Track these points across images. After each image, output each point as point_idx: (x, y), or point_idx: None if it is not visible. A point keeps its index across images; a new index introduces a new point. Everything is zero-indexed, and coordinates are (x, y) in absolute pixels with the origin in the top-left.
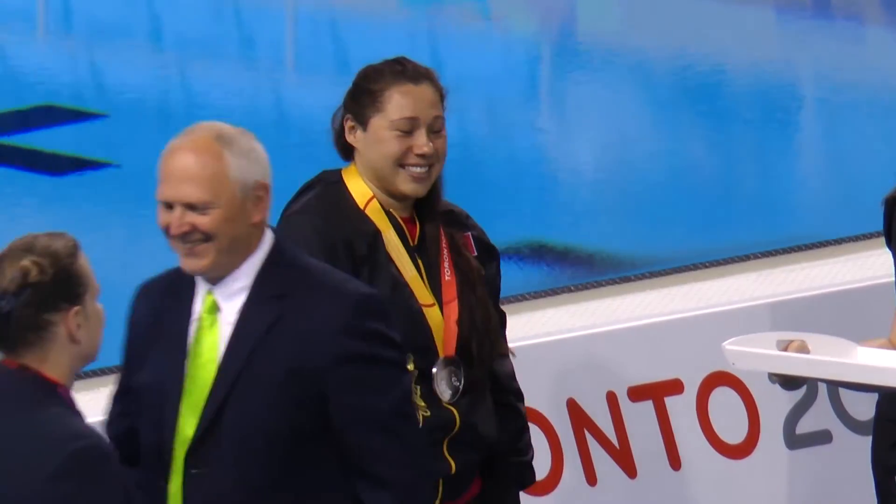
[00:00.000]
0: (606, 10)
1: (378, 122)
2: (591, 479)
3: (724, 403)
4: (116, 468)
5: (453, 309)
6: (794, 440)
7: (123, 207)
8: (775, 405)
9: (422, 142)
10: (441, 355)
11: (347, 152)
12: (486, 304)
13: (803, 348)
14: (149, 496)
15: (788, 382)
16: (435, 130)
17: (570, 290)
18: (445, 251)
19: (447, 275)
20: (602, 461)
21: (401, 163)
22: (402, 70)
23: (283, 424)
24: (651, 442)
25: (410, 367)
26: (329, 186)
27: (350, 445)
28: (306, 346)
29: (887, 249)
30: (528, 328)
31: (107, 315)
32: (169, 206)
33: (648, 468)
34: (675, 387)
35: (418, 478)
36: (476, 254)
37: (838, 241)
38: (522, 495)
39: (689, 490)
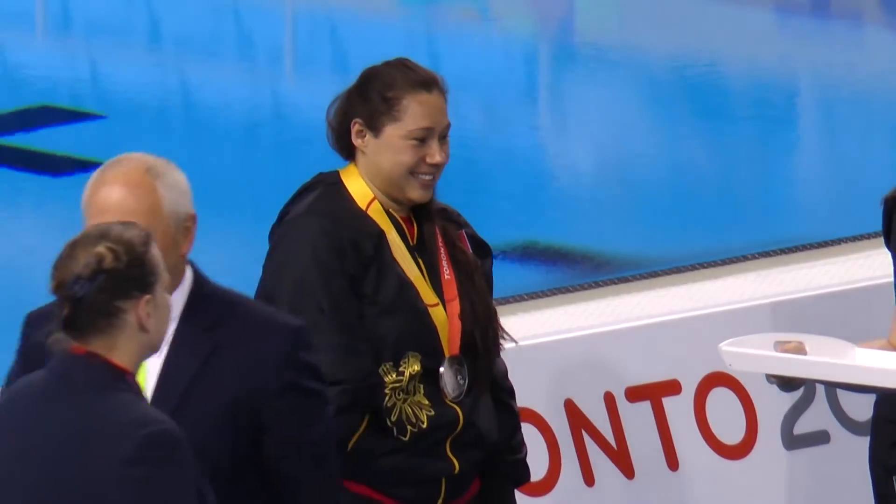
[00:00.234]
0: (605, 9)
1: (393, 131)
2: (589, 479)
3: (722, 404)
4: (187, 454)
5: (455, 307)
6: (792, 441)
7: None
8: (773, 406)
9: (435, 151)
10: (447, 355)
11: (349, 153)
12: (486, 295)
13: (800, 349)
14: None
15: (786, 384)
16: (443, 137)
17: (567, 291)
18: (442, 249)
19: (446, 273)
20: (600, 462)
21: (412, 171)
22: (415, 77)
23: (226, 455)
24: (649, 442)
25: (417, 367)
26: (329, 188)
27: (282, 476)
28: (246, 377)
29: (886, 249)
30: (526, 328)
31: None
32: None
33: (646, 469)
34: (673, 387)
35: None
36: (471, 252)
37: (837, 242)
38: (520, 496)
39: (687, 490)
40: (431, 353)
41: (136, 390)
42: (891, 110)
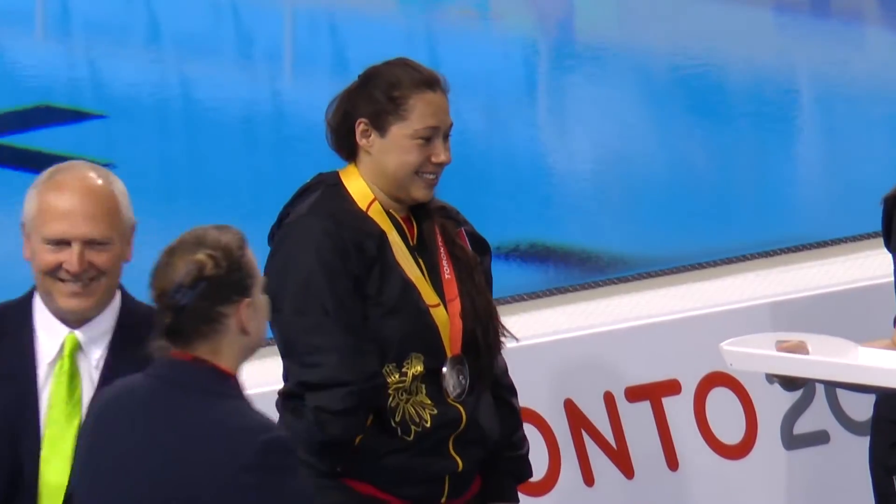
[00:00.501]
0: (604, 9)
1: (400, 131)
2: (589, 479)
3: (722, 404)
4: (298, 461)
5: (456, 306)
6: (792, 440)
7: None
8: (773, 406)
9: (440, 151)
10: (449, 355)
11: (349, 153)
12: (485, 291)
13: (801, 348)
14: None
15: (789, 383)
16: (447, 136)
17: (566, 290)
18: (442, 248)
19: (447, 273)
20: (599, 461)
21: (418, 170)
22: (420, 77)
23: None
24: (648, 442)
25: (420, 368)
26: (329, 189)
27: None
28: None
29: (886, 249)
30: (525, 328)
31: None
32: (60, 243)
33: (646, 468)
34: (673, 387)
35: None
36: (470, 249)
37: (837, 241)
38: (520, 496)
39: (687, 490)
40: (434, 354)
41: (243, 394)
42: (890, 109)
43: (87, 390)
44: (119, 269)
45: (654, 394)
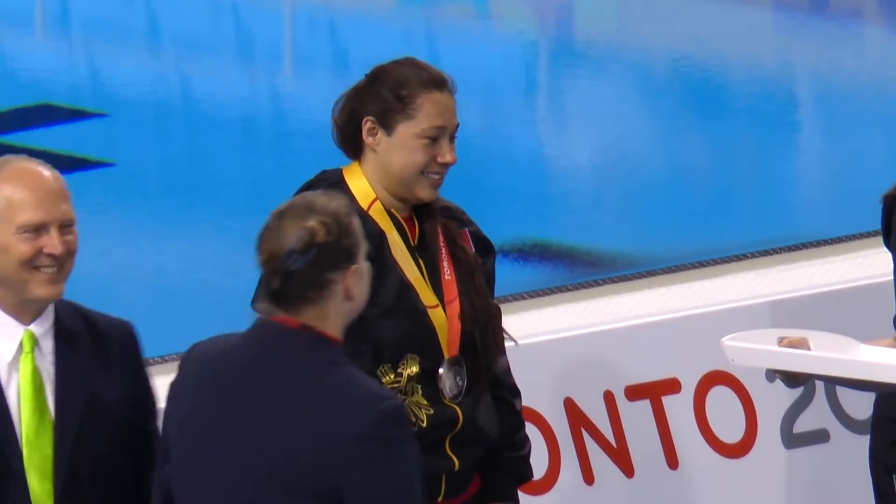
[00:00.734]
0: (603, 8)
1: (407, 130)
2: (589, 478)
3: (722, 402)
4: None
5: (455, 308)
6: (792, 439)
7: (121, 206)
8: (773, 404)
9: (446, 151)
10: (446, 356)
11: (355, 151)
12: (485, 293)
13: (803, 344)
14: None
15: (791, 379)
16: (453, 137)
17: (566, 290)
18: (444, 248)
19: (447, 274)
20: (599, 460)
21: (423, 170)
22: (428, 77)
23: (131, 465)
24: (648, 441)
25: (415, 368)
26: (330, 187)
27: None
28: (117, 375)
29: (886, 248)
30: (525, 327)
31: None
32: (38, 229)
33: (646, 467)
34: (673, 386)
35: None
36: (473, 250)
37: (837, 240)
38: (520, 495)
39: (687, 489)
40: (430, 355)
41: (350, 361)
42: (890, 108)
43: (48, 385)
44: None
45: (654, 392)
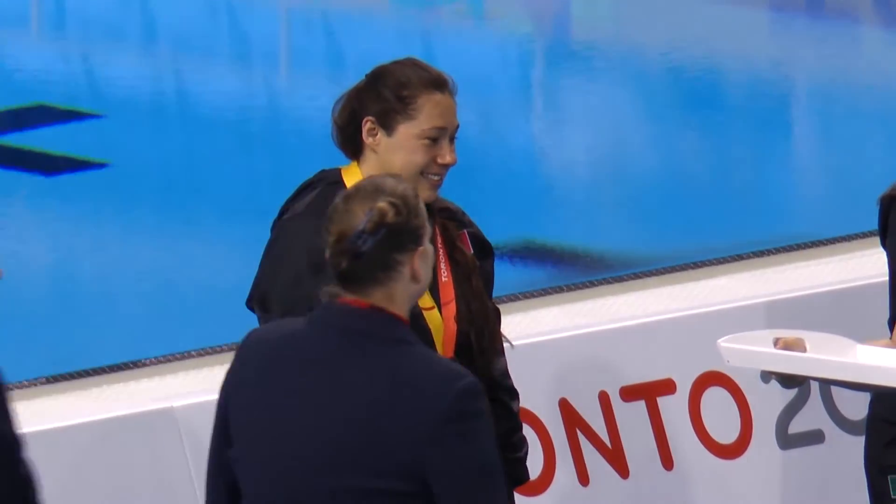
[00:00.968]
0: (599, 8)
1: (407, 130)
2: (584, 479)
3: (717, 403)
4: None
5: (451, 309)
6: (787, 440)
7: (117, 207)
8: (768, 405)
9: (446, 152)
10: None
11: (355, 151)
12: (482, 294)
13: (798, 344)
14: None
15: (788, 380)
16: (453, 138)
17: (561, 290)
18: (442, 250)
19: (444, 276)
20: (594, 461)
21: (423, 171)
22: (429, 77)
23: None
24: (643, 442)
25: None
26: (329, 187)
27: None
28: None
29: (882, 248)
30: (521, 328)
31: (101, 313)
32: None
33: (641, 468)
34: (668, 386)
35: None
36: (472, 251)
37: (833, 241)
38: (515, 496)
39: (682, 490)
40: None
41: (418, 340)
42: (886, 108)
43: None
44: None
45: (649, 393)
